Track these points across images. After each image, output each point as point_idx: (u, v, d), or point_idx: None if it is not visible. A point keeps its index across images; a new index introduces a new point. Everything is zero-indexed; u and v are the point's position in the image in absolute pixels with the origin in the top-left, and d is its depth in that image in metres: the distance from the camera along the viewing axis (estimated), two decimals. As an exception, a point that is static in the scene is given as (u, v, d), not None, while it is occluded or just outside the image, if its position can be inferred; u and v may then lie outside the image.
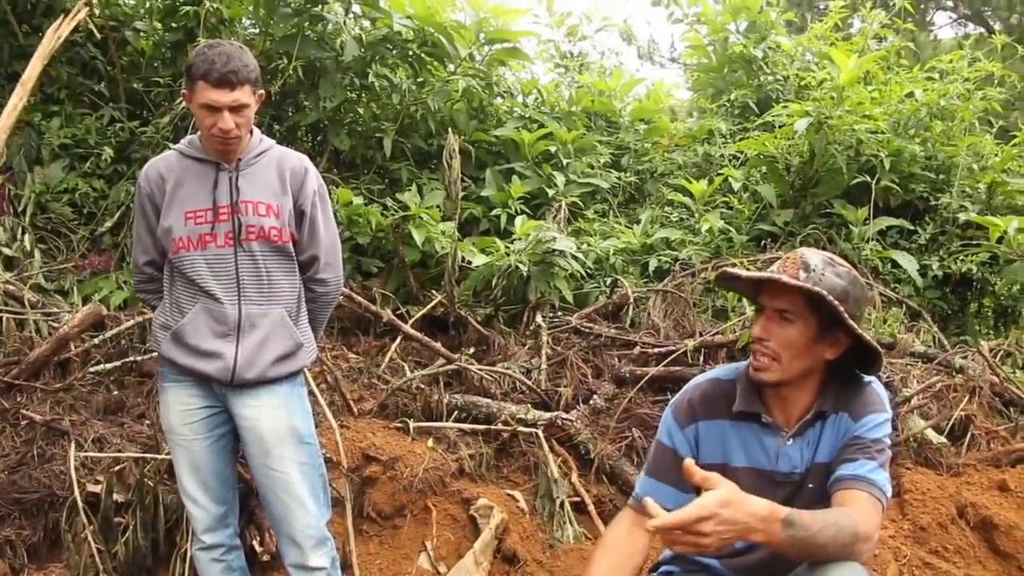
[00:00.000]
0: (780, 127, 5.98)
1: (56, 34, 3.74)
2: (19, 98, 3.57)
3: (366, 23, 5.84)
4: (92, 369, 4.04)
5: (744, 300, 4.55)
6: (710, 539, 1.66)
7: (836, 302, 1.96)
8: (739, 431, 2.16)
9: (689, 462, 1.72)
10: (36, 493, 3.30)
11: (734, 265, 5.01)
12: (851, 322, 1.98)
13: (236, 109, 2.52)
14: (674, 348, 4.37)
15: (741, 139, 6.50)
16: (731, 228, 5.64)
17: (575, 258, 5.07)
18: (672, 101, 8.74)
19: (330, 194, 2.90)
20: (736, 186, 6.01)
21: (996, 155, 5.98)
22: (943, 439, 3.94)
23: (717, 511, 1.66)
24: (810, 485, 2.09)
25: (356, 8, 5.76)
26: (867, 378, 2.13)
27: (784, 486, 2.09)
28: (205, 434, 2.72)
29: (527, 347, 4.69)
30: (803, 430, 2.11)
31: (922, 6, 14.39)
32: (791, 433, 2.11)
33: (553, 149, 6.29)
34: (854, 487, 1.95)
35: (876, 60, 6.26)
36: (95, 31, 4.94)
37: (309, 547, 2.71)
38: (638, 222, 6.00)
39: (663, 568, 2.33)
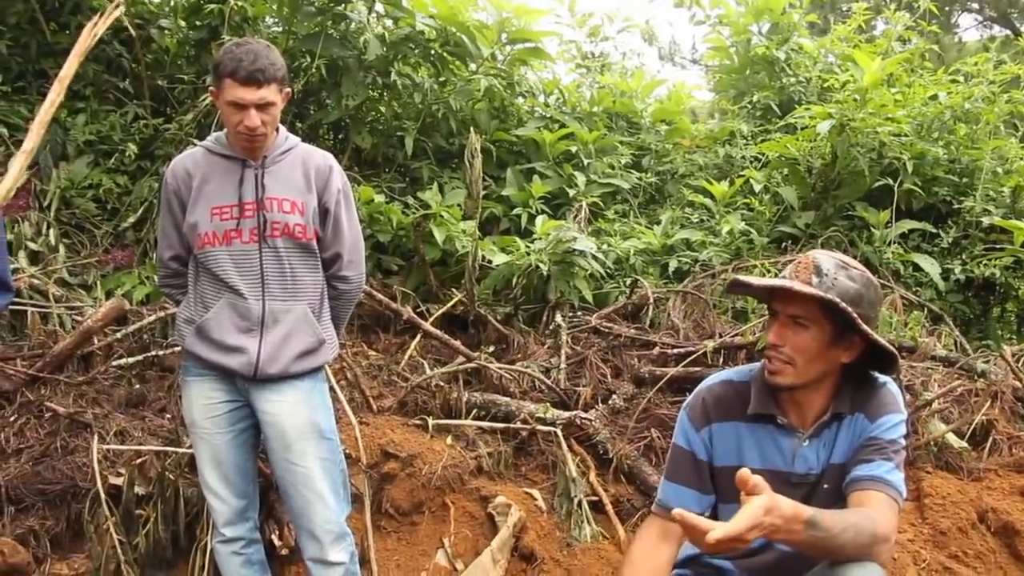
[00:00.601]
0: (802, 129, 5.95)
1: (92, 32, 3.77)
2: (56, 94, 3.59)
3: (389, 22, 5.87)
4: (115, 363, 4.09)
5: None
6: (748, 543, 1.66)
7: (850, 308, 1.94)
8: (754, 433, 2.15)
9: (745, 471, 1.70)
10: (59, 484, 3.35)
11: (754, 267, 4.99)
12: (865, 327, 1.97)
13: (263, 107, 2.54)
14: (694, 349, 4.36)
15: (763, 141, 6.47)
16: (752, 230, 5.62)
17: (595, 258, 5.07)
18: (693, 102, 8.70)
19: (352, 192, 2.91)
20: (757, 188, 5.98)
21: (1021, 159, 5.93)
22: (964, 443, 3.91)
23: (763, 519, 1.66)
24: (825, 486, 2.09)
25: (379, 7, 5.79)
26: (882, 378, 2.12)
27: (800, 487, 2.09)
28: (227, 428, 2.74)
29: (546, 346, 4.69)
30: (819, 431, 2.10)
31: (947, 8, 14.28)
32: (807, 434, 2.11)
33: (574, 149, 6.29)
34: (871, 488, 1.95)
35: (900, 62, 6.21)
36: (130, 28, 4.99)
37: (328, 542, 2.73)
38: (658, 223, 5.99)
39: (676, 571, 2.33)
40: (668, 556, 2.17)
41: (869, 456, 2.00)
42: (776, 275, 4.83)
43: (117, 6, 3.85)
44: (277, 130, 2.72)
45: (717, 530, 1.63)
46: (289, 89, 2.68)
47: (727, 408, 2.18)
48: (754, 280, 2.10)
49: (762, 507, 1.65)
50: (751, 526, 1.64)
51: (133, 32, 5.14)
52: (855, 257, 4.84)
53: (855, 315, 1.95)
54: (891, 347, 2.04)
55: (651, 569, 2.14)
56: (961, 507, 3.54)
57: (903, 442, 2.05)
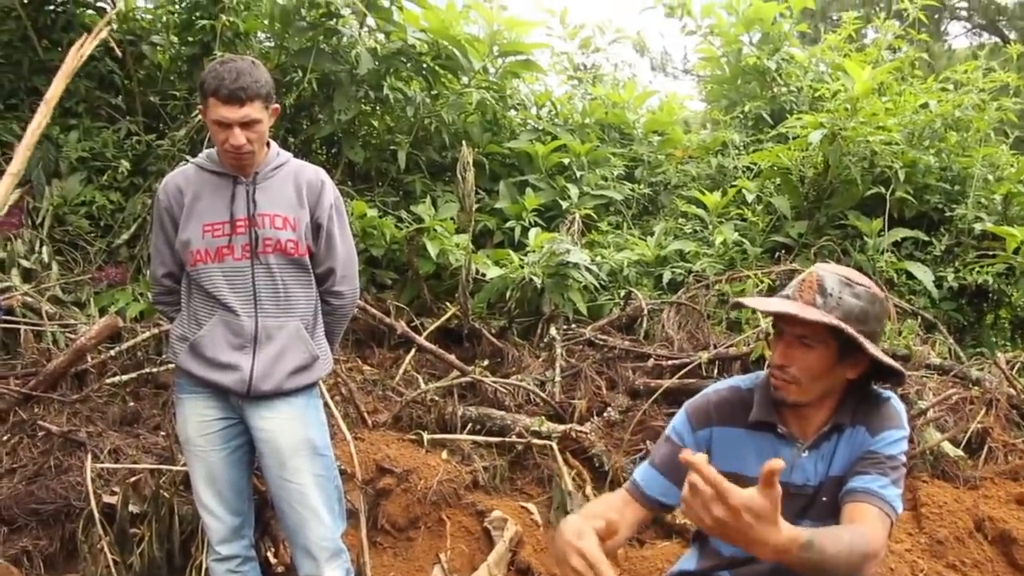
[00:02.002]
0: (794, 138, 5.97)
1: (79, 52, 3.77)
2: (43, 116, 3.60)
3: (380, 36, 5.88)
4: (108, 381, 4.07)
5: (758, 312, 4.54)
6: (711, 524, 1.55)
7: (855, 333, 1.93)
8: (755, 441, 2.14)
9: (774, 463, 1.54)
10: (53, 504, 3.33)
11: (748, 277, 5.00)
12: (873, 351, 1.95)
13: (247, 125, 2.53)
14: (688, 360, 4.36)
15: (755, 151, 6.49)
16: (745, 240, 5.63)
17: (589, 270, 5.07)
18: (685, 113, 8.73)
19: (345, 206, 2.91)
20: (750, 198, 5.99)
21: (1012, 166, 5.96)
22: (960, 452, 3.91)
23: (748, 518, 1.53)
24: (823, 499, 2.07)
25: (371, 21, 5.80)
26: (886, 393, 2.11)
27: (797, 498, 2.08)
28: (221, 445, 2.73)
29: (541, 359, 4.68)
30: (819, 443, 2.09)
31: (936, 16, 14.35)
32: (807, 445, 2.10)
33: (567, 161, 6.30)
34: (865, 501, 1.93)
35: (890, 71, 6.24)
36: (115, 47, 4.98)
37: (324, 559, 2.71)
38: (652, 234, 6.00)
39: None
40: (631, 519, 2.11)
41: (866, 469, 1.99)
42: (771, 286, 4.86)
43: (106, 24, 3.85)
44: (269, 145, 2.71)
45: (701, 460, 1.53)
46: (277, 105, 2.67)
47: (730, 413, 2.17)
48: (759, 305, 2.09)
49: (759, 505, 1.52)
50: (728, 493, 1.51)
51: (118, 50, 5.13)
52: (848, 267, 4.84)
53: (861, 339, 1.93)
54: (898, 365, 2.03)
55: (606, 509, 2.04)
56: (958, 516, 3.54)
57: (903, 459, 2.02)
